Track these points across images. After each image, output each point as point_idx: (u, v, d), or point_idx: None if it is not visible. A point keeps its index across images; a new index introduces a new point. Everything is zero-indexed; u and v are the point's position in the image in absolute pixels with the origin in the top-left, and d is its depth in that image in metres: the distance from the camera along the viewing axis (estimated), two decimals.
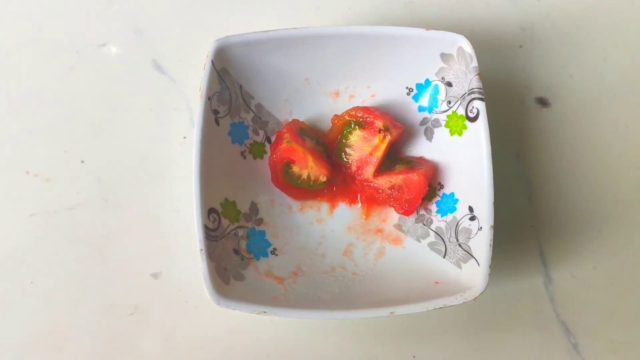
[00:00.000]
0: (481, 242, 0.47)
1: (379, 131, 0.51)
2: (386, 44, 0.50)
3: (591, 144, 0.56)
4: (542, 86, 0.57)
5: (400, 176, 0.51)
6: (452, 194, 0.51)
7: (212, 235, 0.47)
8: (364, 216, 0.54)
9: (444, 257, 0.50)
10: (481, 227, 0.47)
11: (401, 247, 0.52)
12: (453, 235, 0.50)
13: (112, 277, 0.54)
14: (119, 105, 0.56)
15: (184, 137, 0.56)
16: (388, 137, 0.51)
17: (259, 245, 0.51)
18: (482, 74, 0.48)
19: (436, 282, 0.48)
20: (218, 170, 0.49)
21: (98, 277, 0.54)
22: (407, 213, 0.52)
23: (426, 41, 0.49)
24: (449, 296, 0.46)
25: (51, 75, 0.56)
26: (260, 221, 0.52)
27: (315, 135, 0.53)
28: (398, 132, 0.51)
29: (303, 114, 0.54)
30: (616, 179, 0.56)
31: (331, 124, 0.53)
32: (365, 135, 0.52)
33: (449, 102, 0.51)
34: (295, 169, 0.52)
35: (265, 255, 0.51)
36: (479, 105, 0.48)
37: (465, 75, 0.49)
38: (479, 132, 0.48)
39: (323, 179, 0.52)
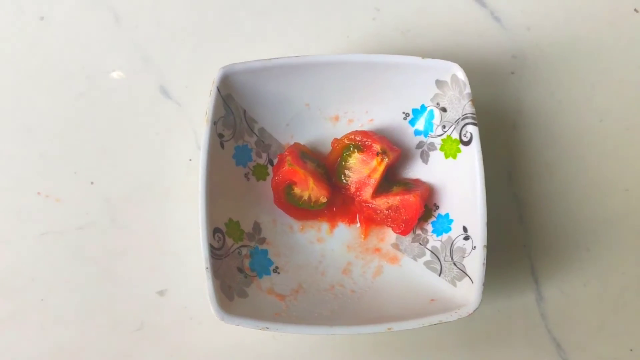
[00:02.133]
0: (475, 261, 0.48)
1: (377, 154, 0.53)
2: (384, 71, 0.51)
3: (580, 166, 0.58)
4: (532, 111, 0.59)
5: (398, 197, 0.53)
6: (447, 215, 0.53)
7: (217, 254, 0.49)
8: (362, 236, 0.55)
9: (439, 276, 0.52)
10: (475, 247, 0.49)
11: (398, 265, 0.54)
12: (448, 254, 0.51)
13: (120, 295, 0.56)
14: (127, 129, 0.58)
15: (190, 160, 0.58)
16: (385, 160, 0.52)
17: (262, 264, 0.53)
18: (475, 99, 0.50)
19: (432, 300, 0.50)
20: (223, 191, 0.51)
21: (106, 295, 0.56)
22: (404, 233, 0.53)
23: (422, 69, 0.51)
24: (444, 313, 0.47)
25: (62, 100, 0.58)
26: (262, 240, 0.54)
27: (316, 158, 0.55)
28: (395, 155, 0.53)
29: (304, 138, 0.56)
30: (605, 200, 0.58)
31: (331, 148, 0.55)
32: (364, 158, 0.53)
33: (444, 127, 0.53)
34: (297, 190, 0.53)
35: (268, 273, 0.53)
36: (472, 130, 0.50)
37: (459, 101, 0.51)
38: (472, 156, 0.50)
39: (323, 200, 0.54)
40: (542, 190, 0.58)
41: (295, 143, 0.55)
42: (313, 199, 0.54)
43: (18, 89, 0.59)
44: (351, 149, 0.54)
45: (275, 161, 0.55)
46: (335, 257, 0.55)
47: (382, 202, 0.53)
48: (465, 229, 0.50)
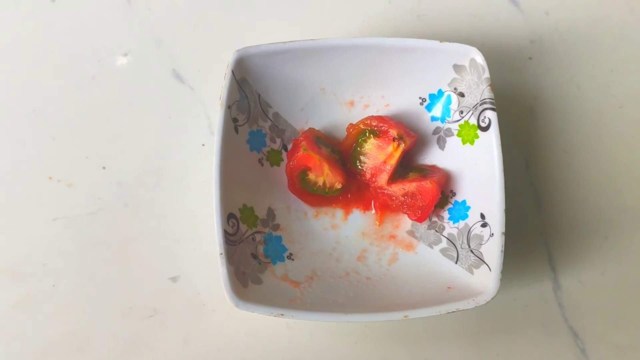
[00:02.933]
0: (493, 248, 0.48)
1: (393, 140, 0.52)
2: (400, 55, 0.51)
3: (598, 153, 0.57)
4: (550, 97, 0.58)
5: (414, 184, 0.52)
6: (464, 202, 0.52)
7: (231, 239, 0.49)
8: (377, 222, 0.55)
9: (456, 263, 0.51)
10: (492, 234, 0.48)
11: (414, 252, 0.53)
12: (465, 241, 0.51)
13: (132, 280, 0.56)
14: (140, 112, 0.58)
15: (203, 145, 0.57)
16: (402, 146, 0.52)
17: (276, 250, 0.53)
18: (493, 85, 0.50)
19: (448, 287, 0.50)
20: (237, 177, 0.50)
21: (118, 280, 0.56)
22: (420, 220, 0.53)
23: (439, 53, 0.50)
24: (461, 301, 0.47)
25: (74, 83, 0.58)
26: (277, 227, 0.53)
27: (331, 143, 0.54)
28: (411, 141, 0.53)
29: (319, 123, 0.55)
30: (623, 187, 0.57)
31: (346, 133, 0.54)
32: (380, 144, 0.53)
33: (461, 112, 0.52)
34: (311, 176, 0.53)
35: (282, 259, 0.52)
36: (491, 115, 0.49)
37: (477, 86, 0.50)
38: (490, 141, 0.49)
39: (338, 186, 0.53)
40: (560, 177, 0.57)
41: (309, 128, 0.55)
42: (328, 185, 0.53)
43: (29, 72, 0.58)
44: (367, 134, 0.53)
45: (290, 146, 0.55)
46: (350, 244, 0.54)
47: (397, 189, 0.53)
48: (482, 216, 0.50)
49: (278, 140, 0.55)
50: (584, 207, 0.57)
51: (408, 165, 0.55)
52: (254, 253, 0.51)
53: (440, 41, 0.50)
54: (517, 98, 0.58)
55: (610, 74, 0.58)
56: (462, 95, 0.52)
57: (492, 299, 0.47)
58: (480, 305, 0.47)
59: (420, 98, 0.54)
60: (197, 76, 0.58)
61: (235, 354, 0.55)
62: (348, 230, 0.55)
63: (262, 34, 0.59)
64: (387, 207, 0.54)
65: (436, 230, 0.53)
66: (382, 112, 0.55)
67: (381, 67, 0.52)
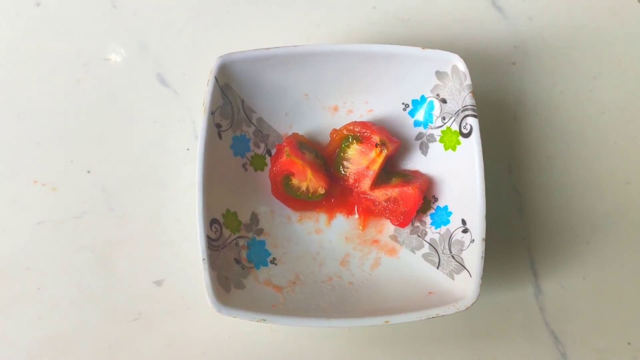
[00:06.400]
0: (473, 254, 0.48)
1: (376, 145, 0.52)
2: (384, 62, 0.51)
3: (581, 158, 0.58)
4: (533, 102, 0.58)
5: (396, 189, 0.52)
6: (445, 207, 0.52)
7: (214, 245, 0.49)
8: (360, 227, 0.55)
9: (437, 268, 0.51)
10: (473, 240, 0.49)
11: (396, 257, 0.54)
12: (446, 247, 0.51)
13: (116, 284, 0.56)
14: (124, 117, 0.58)
15: (187, 149, 0.57)
16: (384, 152, 0.52)
17: (259, 255, 0.53)
18: (476, 90, 0.50)
19: (430, 292, 0.50)
20: (220, 182, 0.50)
21: (103, 284, 0.56)
22: (402, 225, 0.53)
23: (422, 59, 0.50)
24: (442, 306, 0.47)
25: (59, 87, 0.58)
26: (260, 231, 0.54)
27: (314, 148, 0.55)
28: (394, 147, 0.53)
29: (303, 128, 0.55)
30: (605, 193, 0.57)
31: (330, 138, 0.54)
32: (363, 149, 0.53)
33: (444, 118, 0.53)
34: (295, 181, 0.53)
35: (265, 264, 0.53)
36: (472, 122, 0.50)
37: (460, 93, 0.51)
38: (472, 148, 0.49)
39: (321, 191, 0.54)
40: (543, 182, 0.57)
41: (293, 133, 0.55)
42: (311, 190, 0.54)
43: (14, 75, 0.58)
44: (350, 140, 0.53)
45: (274, 151, 0.55)
46: (333, 249, 0.55)
47: (380, 194, 0.53)
48: (464, 222, 0.50)
49: (262, 145, 0.55)
50: (567, 212, 0.57)
51: (391, 171, 0.55)
52: (237, 258, 0.51)
53: (423, 48, 0.50)
54: (500, 103, 0.58)
55: (593, 80, 0.59)
56: (444, 101, 0.52)
57: (472, 304, 0.47)
58: (461, 311, 0.47)
59: (403, 104, 0.54)
60: (182, 81, 0.58)
61: (219, 357, 0.55)
62: (331, 234, 0.55)
63: (247, 39, 0.59)
64: (370, 212, 0.55)
65: (418, 235, 0.53)
66: (366, 117, 0.55)
67: (365, 73, 0.52)
